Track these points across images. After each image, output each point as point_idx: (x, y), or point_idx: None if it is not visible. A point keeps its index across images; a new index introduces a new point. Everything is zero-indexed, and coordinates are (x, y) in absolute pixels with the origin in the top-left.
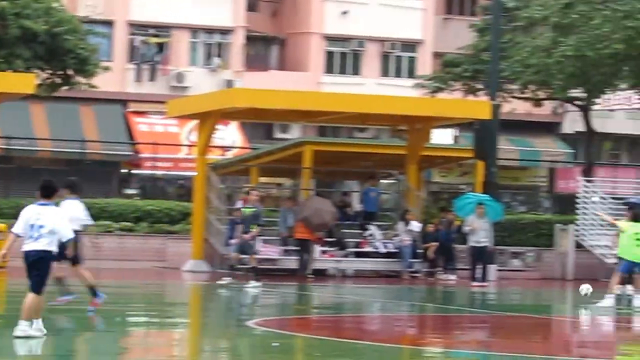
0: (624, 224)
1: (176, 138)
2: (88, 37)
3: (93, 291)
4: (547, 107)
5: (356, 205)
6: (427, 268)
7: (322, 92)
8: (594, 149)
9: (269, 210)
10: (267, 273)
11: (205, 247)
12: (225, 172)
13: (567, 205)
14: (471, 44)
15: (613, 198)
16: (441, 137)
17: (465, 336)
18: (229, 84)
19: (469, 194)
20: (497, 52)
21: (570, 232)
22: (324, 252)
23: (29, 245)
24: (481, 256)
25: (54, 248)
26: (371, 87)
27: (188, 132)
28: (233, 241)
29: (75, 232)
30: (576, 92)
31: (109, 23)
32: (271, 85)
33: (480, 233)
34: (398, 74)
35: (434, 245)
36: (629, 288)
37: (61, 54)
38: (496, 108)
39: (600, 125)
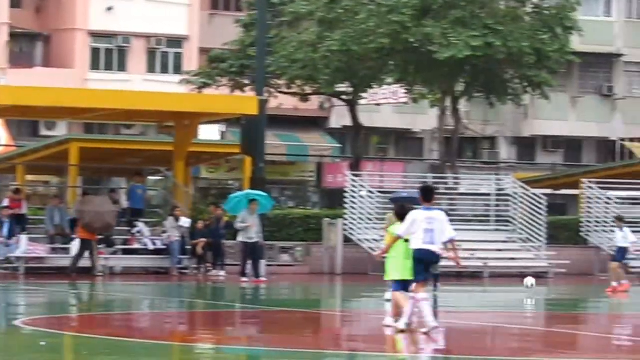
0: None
1: None
2: None
3: None
4: (314, 102)
5: (123, 203)
6: (196, 264)
7: (87, 89)
8: (361, 144)
9: (36, 209)
10: (36, 272)
11: None
12: None
13: (335, 199)
14: (237, 39)
15: (381, 192)
16: (208, 133)
17: (236, 332)
18: None
19: (238, 193)
20: (263, 48)
21: (339, 227)
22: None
23: None
24: (253, 252)
25: None
26: (138, 84)
27: None
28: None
29: None
30: (343, 87)
31: None
32: (36, 83)
33: (252, 229)
34: (164, 70)
35: (202, 241)
36: None
37: None
38: (263, 103)
39: (368, 119)
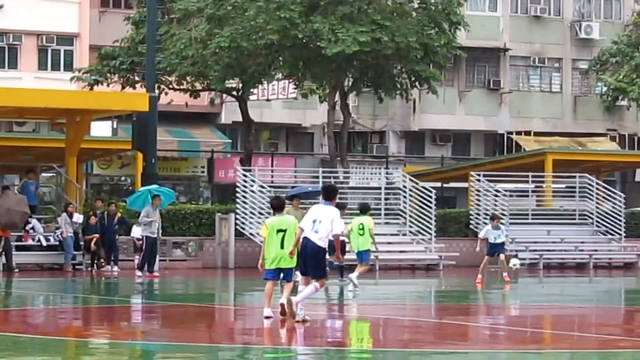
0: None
1: None
2: None
3: None
4: (205, 98)
5: None
6: (90, 260)
7: None
8: (251, 139)
9: None
10: None
11: None
12: None
13: (226, 194)
14: (127, 36)
15: (272, 187)
16: (100, 129)
17: (130, 327)
18: None
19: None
20: (153, 45)
21: (231, 221)
22: None
23: None
24: (154, 247)
25: None
26: (29, 81)
27: None
28: None
29: None
30: (233, 83)
31: None
32: None
33: (154, 224)
34: (56, 68)
35: (96, 237)
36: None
37: None
38: (154, 100)
39: (258, 115)
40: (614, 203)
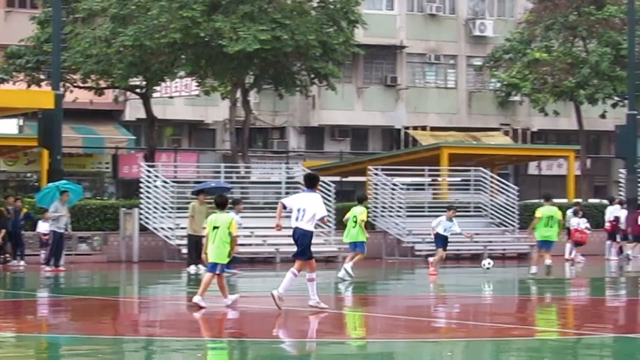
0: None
1: None
2: None
3: None
4: (109, 96)
5: None
6: None
7: None
8: (155, 135)
9: None
10: None
11: None
12: None
13: (131, 190)
14: (33, 35)
15: (175, 182)
16: (6, 126)
17: (37, 320)
18: None
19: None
20: (58, 44)
21: (135, 216)
22: None
23: None
24: (61, 242)
25: None
26: None
27: None
28: None
29: None
30: (136, 81)
31: None
32: None
33: (63, 219)
34: None
35: (3, 232)
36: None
37: None
38: (59, 97)
39: (161, 112)
40: (508, 195)
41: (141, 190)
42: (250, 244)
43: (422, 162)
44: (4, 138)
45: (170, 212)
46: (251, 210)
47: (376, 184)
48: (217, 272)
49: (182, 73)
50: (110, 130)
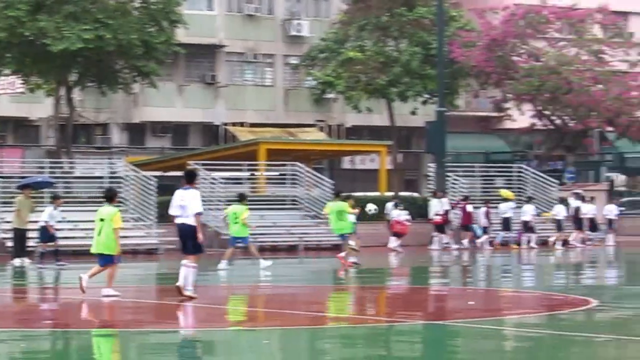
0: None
1: None
2: None
3: None
4: None
5: None
6: None
7: None
8: None
9: None
10: None
11: None
12: None
13: None
14: None
15: (0, 177)
16: None
17: None
18: None
19: None
20: None
21: None
22: None
23: None
24: None
25: None
26: None
27: None
28: None
29: None
30: None
31: None
32: None
33: None
34: None
35: None
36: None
37: None
38: None
39: None
40: (323, 189)
41: None
42: (74, 237)
43: (240, 157)
44: None
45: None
46: (75, 205)
47: None
48: (115, 262)
49: (7, 71)
50: None
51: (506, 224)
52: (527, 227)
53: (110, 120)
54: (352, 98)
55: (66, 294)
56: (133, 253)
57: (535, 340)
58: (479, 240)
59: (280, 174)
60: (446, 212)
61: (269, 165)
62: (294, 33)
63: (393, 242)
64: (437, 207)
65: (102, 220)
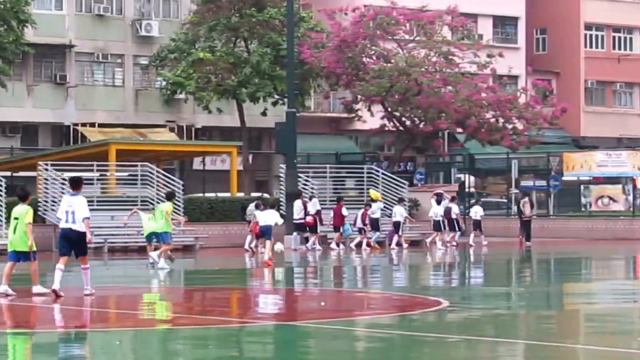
0: None
1: None
2: None
3: None
4: None
5: None
6: None
7: None
8: None
9: None
10: None
11: None
12: None
13: None
14: None
15: None
16: None
17: None
18: None
19: None
20: None
21: None
22: None
23: None
24: None
25: None
26: None
27: None
28: None
29: None
30: None
31: None
32: None
33: None
34: None
35: None
36: (153, 254)
37: None
38: None
39: None
40: (174, 190)
41: None
42: None
43: (90, 157)
44: None
45: None
46: None
47: (46, 179)
48: (32, 259)
49: None
50: None
51: (375, 224)
52: (398, 228)
53: None
54: (203, 99)
55: None
56: None
57: (386, 340)
58: (353, 243)
59: (130, 175)
60: (317, 212)
61: (119, 165)
62: (143, 33)
63: (251, 242)
64: (299, 208)
65: (16, 219)
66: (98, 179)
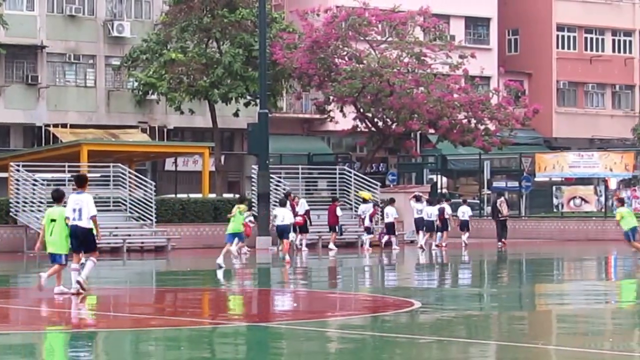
0: None
1: None
2: None
3: None
4: None
5: None
6: None
7: None
8: None
9: None
10: None
11: None
12: None
13: None
14: None
15: None
16: None
17: None
18: None
19: None
20: None
21: None
22: None
23: None
24: None
25: None
26: None
27: None
28: None
29: None
30: None
31: None
32: None
33: None
34: None
35: None
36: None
37: None
38: None
39: None
40: (146, 190)
41: None
42: None
43: (62, 158)
44: None
45: None
46: None
47: (18, 180)
48: (63, 262)
49: None
50: None
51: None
52: (390, 229)
53: None
54: (175, 99)
55: None
56: None
57: (358, 341)
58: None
59: (103, 176)
60: (306, 212)
61: (91, 166)
62: (115, 34)
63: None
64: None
65: (53, 220)
66: (70, 180)
